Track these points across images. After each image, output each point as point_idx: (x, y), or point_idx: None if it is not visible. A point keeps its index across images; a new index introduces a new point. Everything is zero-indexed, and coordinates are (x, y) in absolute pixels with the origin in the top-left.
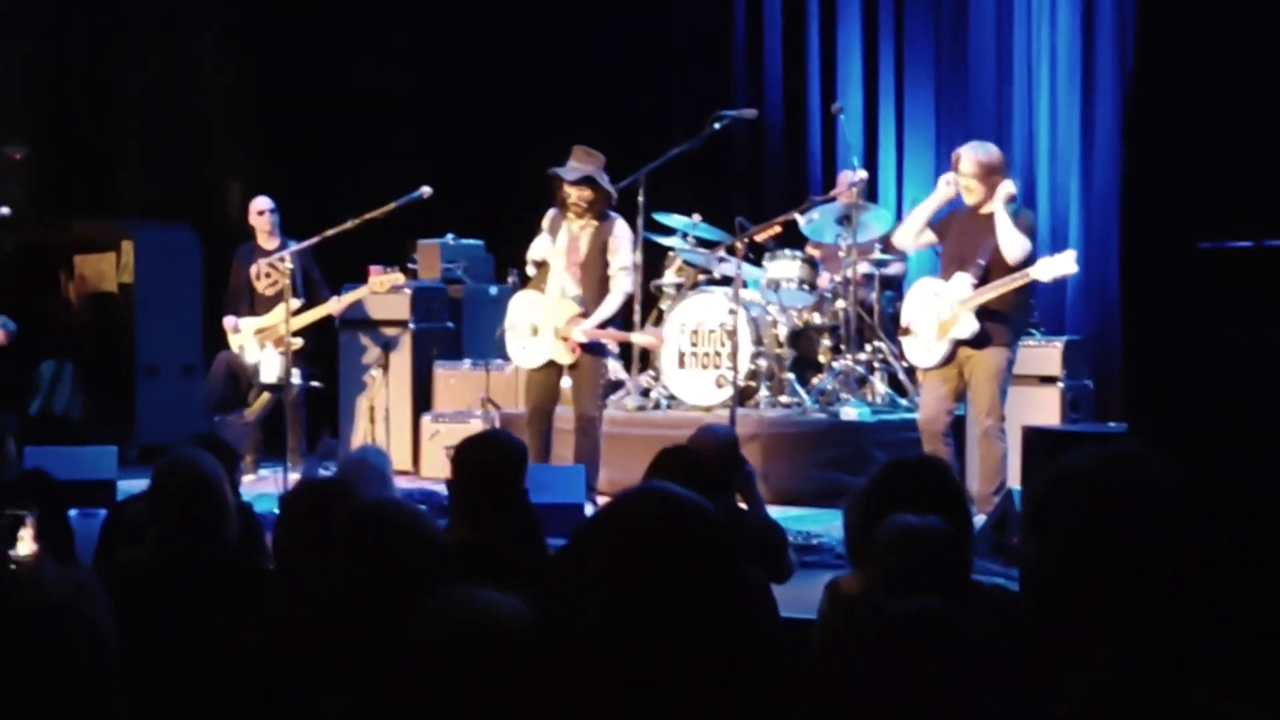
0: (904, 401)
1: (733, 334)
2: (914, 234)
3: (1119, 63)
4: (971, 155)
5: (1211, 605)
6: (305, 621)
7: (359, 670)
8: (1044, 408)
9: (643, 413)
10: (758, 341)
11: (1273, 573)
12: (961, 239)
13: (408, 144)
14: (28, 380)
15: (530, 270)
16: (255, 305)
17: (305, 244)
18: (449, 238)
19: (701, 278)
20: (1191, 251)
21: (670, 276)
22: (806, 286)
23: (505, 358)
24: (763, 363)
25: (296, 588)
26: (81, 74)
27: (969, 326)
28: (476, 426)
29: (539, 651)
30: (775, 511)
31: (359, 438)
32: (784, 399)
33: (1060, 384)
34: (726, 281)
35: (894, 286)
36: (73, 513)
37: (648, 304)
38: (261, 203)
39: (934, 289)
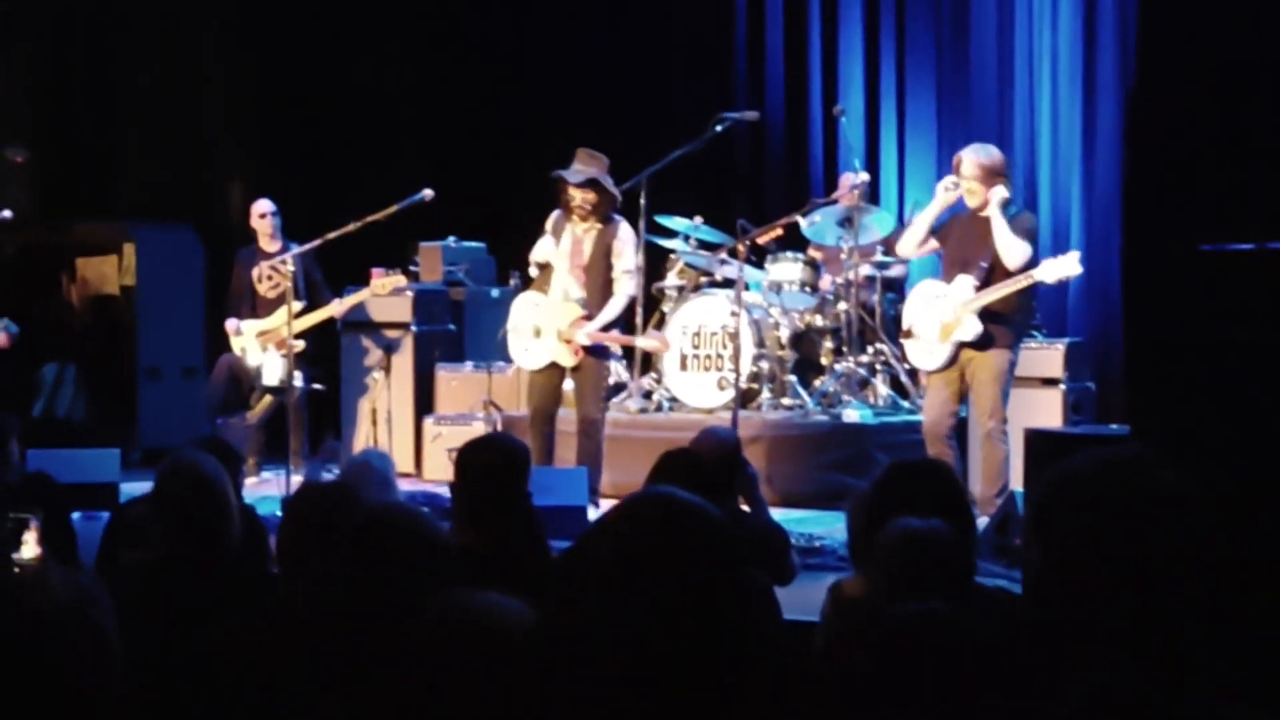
0: (906, 403)
1: (735, 336)
2: (916, 242)
3: (1120, 64)
4: (973, 158)
5: (1213, 607)
6: (310, 625)
7: (364, 673)
8: (1046, 410)
9: (645, 415)
10: (760, 344)
11: (1274, 574)
12: (963, 241)
13: (409, 147)
14: (30, 383)
15: (533, 271)
16: (257, 308)
17: (307, 247)
18: (451, 240)
19: (703, 280)
20: (1193, 253)
21: (672, 279)
22: (808, 289)
23: (507, 360)
24: (765, 365)
25: (301, 591)
26: (83, 77)
27: (972, 329)
28: (478, 429)
29: (543, 654)
30: (777, 513)
31: (361, 440)
32: (786, 401)
33: (1062, 386)
34: (728, 284)
35: (896, 288)
36: (75, 515)
37: (650, 307)
38: (263, 205)
39: (935, 291)
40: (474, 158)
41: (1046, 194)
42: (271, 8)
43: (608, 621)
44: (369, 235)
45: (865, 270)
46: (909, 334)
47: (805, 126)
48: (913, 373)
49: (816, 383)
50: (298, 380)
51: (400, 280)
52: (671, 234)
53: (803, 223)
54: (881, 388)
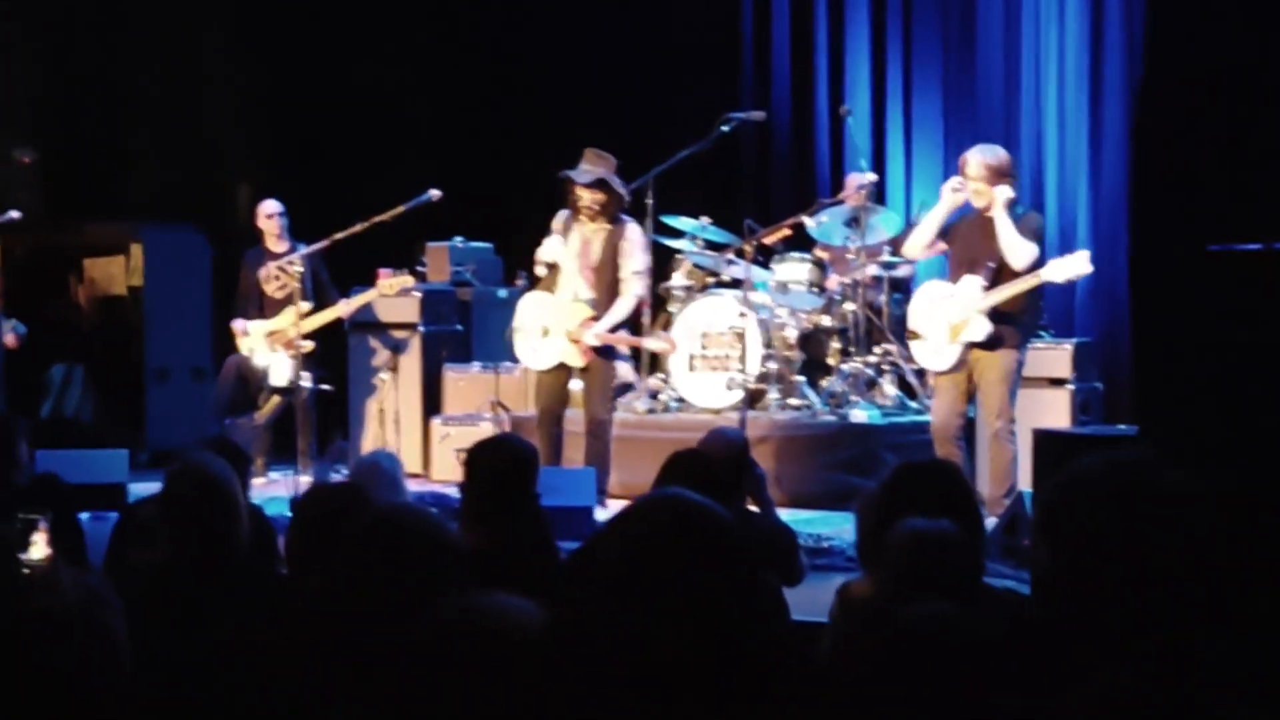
0: (913, 403)
1: (742, 337)
2: (924, 244)
3: (1127, 64)
4: (979, 158)
5: (1220, 608)
6: (319, 626)
7: (373, 675)
8: (1054, 410)
9: (653, 415)
10: (767, 344)
11: None
12: (970, 242)
13: (416, 147)
14: (38, 383)
15: (540, 271)
16: (264, 308)
17: (314, 247)
18: (458, 240)
19: (710, 280)
20: (1201, 253)
21: (679, 279)
22: (815, 289)
23: (515, 360)
24: (772, 365)
25: (311, 592)
26: (90, 78)
27: (981, 329)
28: (486, 429)
29: (553, 655)
30: (786, 514)
31: (369, 440)
32: (793, 401)
33: (1070, 386)
34: (735, 284)
35: (902, 288)
36: (83, 516)
37: (657, 307)
38: (270, 206)
39: (941, 292)
40: (480, 158)
41: (1053, 194)
42: (278, 8)
43: (617, 623)
44: (376, 236)
45: (872, 270)
46: (915, 335)
47: (812, 127)
48: (920, 373)
49: (824, 383)
50: (305, 381)
51: (407, 281)
52: (678, 234)
53: (809, 223)
54: (889, 388)
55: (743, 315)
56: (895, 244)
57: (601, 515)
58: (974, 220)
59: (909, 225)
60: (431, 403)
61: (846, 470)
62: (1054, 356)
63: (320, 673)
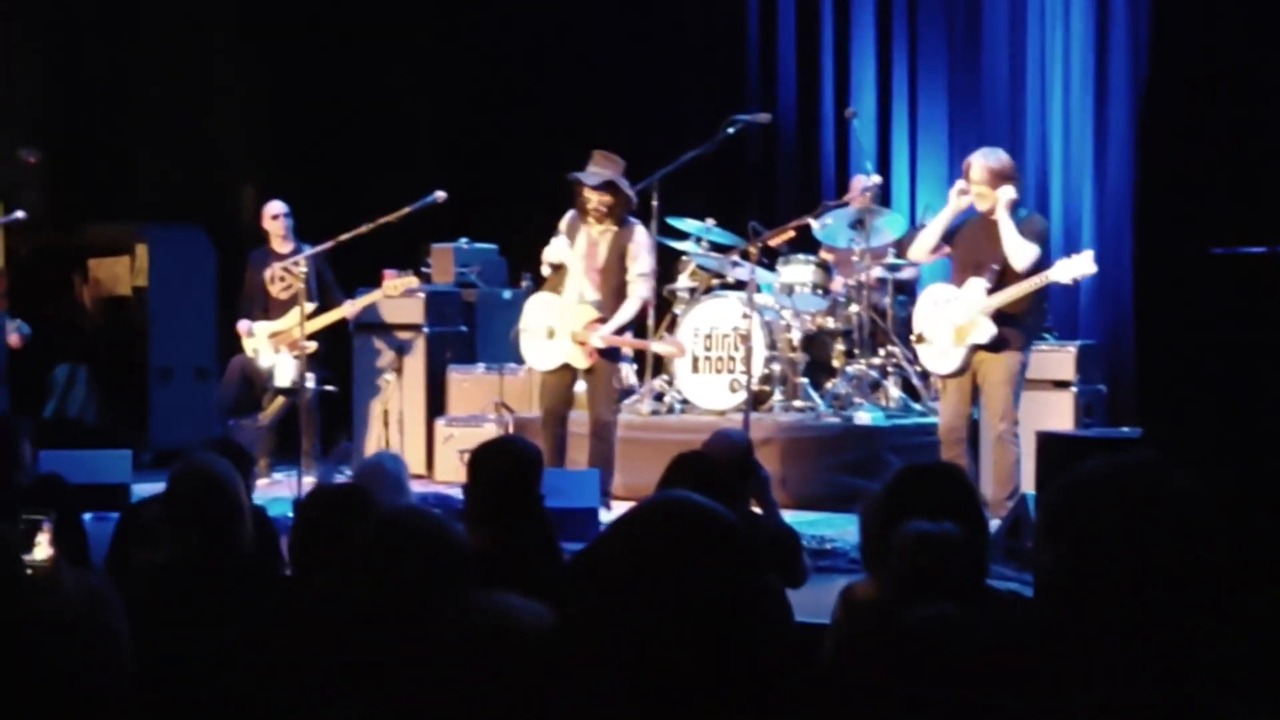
0: (918, 406)
1: (746, 338)
2: (929, 248)
3: (1133, 66)
4: (982, 162)
5: (1225, 612)
6: (325, 627)
7: (379, 676)
8: (1057, 412)
9: (657, 417)
10: (771, 346)
11: None
12: (974, 244)
13: (421, 148)
14: (42, 384)
15: (545, 270)
16: (269, 309)
17: (319, 248)
18: (463, 242)
19: (715, 282)
20: (1205, 256)
21: (684, 281)
22: (820, 291)
23: (519, 361)
24: (776, 367)
25: (317, 593)
26: (95, 78)
27: (987, 331)
28: (490, 430)
29: (558, 657)
30: (789, 516)
31: (373, 441)
32: (798, 403)
33: (1074, 389)
34: (740, 286)
35: (907, 291)
36: (87, 516)
37: (661, 309)
38: (275, 207)
39: (945, 295)
40: (486, 159)
41: (1058, 196)
42: (283, 9)
43: (622, 625)
44: (381, 237)
45: (877, 272)
46: (920, 339)
47: (817, 129)
48: (924, 375)
49: (828, 385)
50: (310, 382)
51: (412, 282)
52: (683, 236)
53: (814, 225)
54: (893, 390)
55: (747, 317)
56: (900, 246)
57: (606, 517)
58: (978, 223)
59: (914, 227)
60: (435, 404)
61: (850, 472)
62: (1058, 359)
63: (325, 674)
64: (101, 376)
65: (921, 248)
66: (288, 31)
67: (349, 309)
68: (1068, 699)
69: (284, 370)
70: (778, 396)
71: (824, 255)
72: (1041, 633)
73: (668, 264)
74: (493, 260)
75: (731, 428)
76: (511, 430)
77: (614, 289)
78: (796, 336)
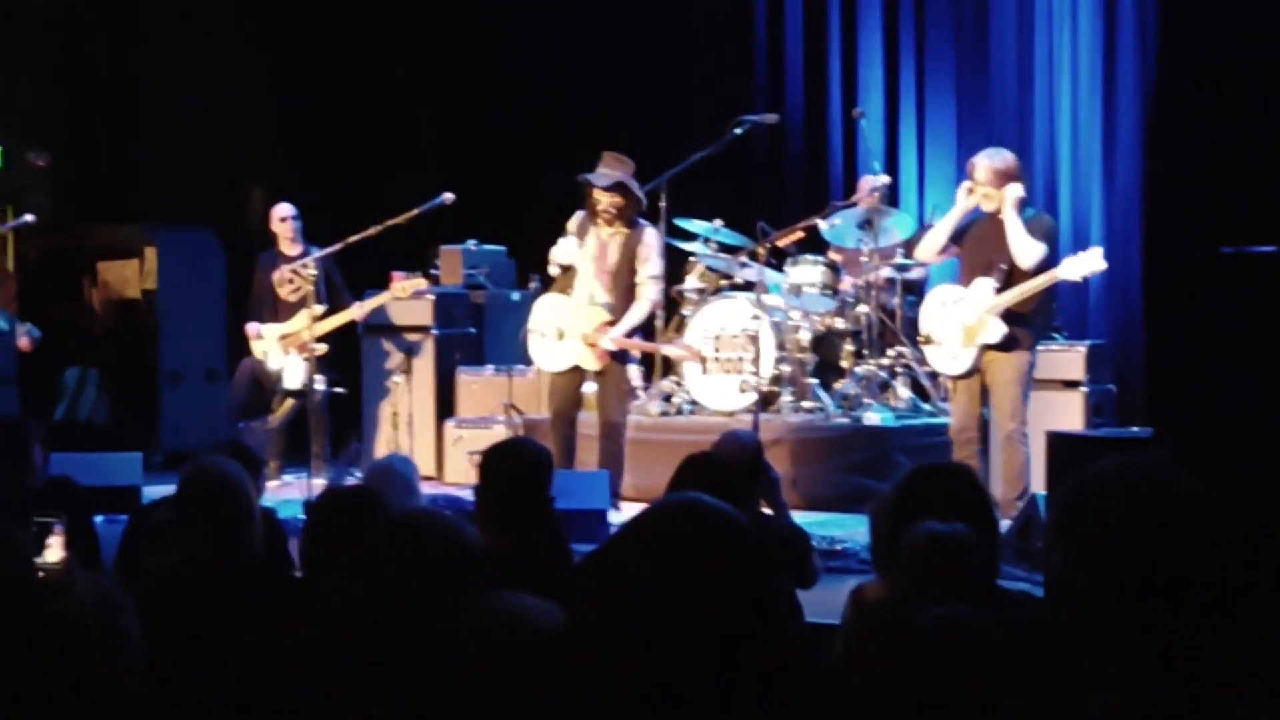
0: (927, 406)
1: (755, 339)
2: (936, 248)
3: (1140, 66)
4: (987, 163)
5: (1236, 613)
6: (338, 629)
7: (393, 677)
8: (1067, 412)
9: (666, 418)
10: (780, 347)
11: None
12: (982, 245)
13: (429, 150)
14: (52, 386)
15: (553, 270)
16: (278, 311)
17: (328, 250)
18: (471, 243)
19: (723, 283)
20: (1214, 256)
21: (692, 282)
22: (828, 291)
23: (528, 363)
24: (785, 368)
25: (330, 595)
26: (104, 81)
27: (997, 331)
28: (499, 432)
29: (569, 658)
30: (799, 516)
31: (382, 443)
32: (807, 404)
33: (1083, 388)
34: (748, 287)
35: (916, 291)
36: (98, 519)
37: (670, 310)
38: (284, 209)
39: (953, 295)
40: (494, 161)
41: (1067, 196)
42: (291, 11)
43: (634, 626)
44: (390, 238)
45: (885, 273)
46: (928, 340)
47: (825, 129)
48: (933, 375)
49: (837, 385)
50: (319, 384)
51: (421, 283)
52: (691, 237)
53: (823, 225)
54: (902, 390)
55: (756, 318)
56: (908, 246)
57: (615, 518)
58: (985, 223)
59: (922, 227)
60: (444, 405)
61: (860, 473)
62: (1067, 358)
63: (339, 675)
64: (111, 379)
65: (929, 248)
66: (295, 33)
67: (358, 311)
68: (1078, 700)
69: (293, 372)
70: (787, 397)
71: (832, 256)
72: (1052, 633)
73: (676, 265)
74: (501, 262)
75: (741, 429)
76: (521, 432)
77: (624, 291)
78: (805, 337)
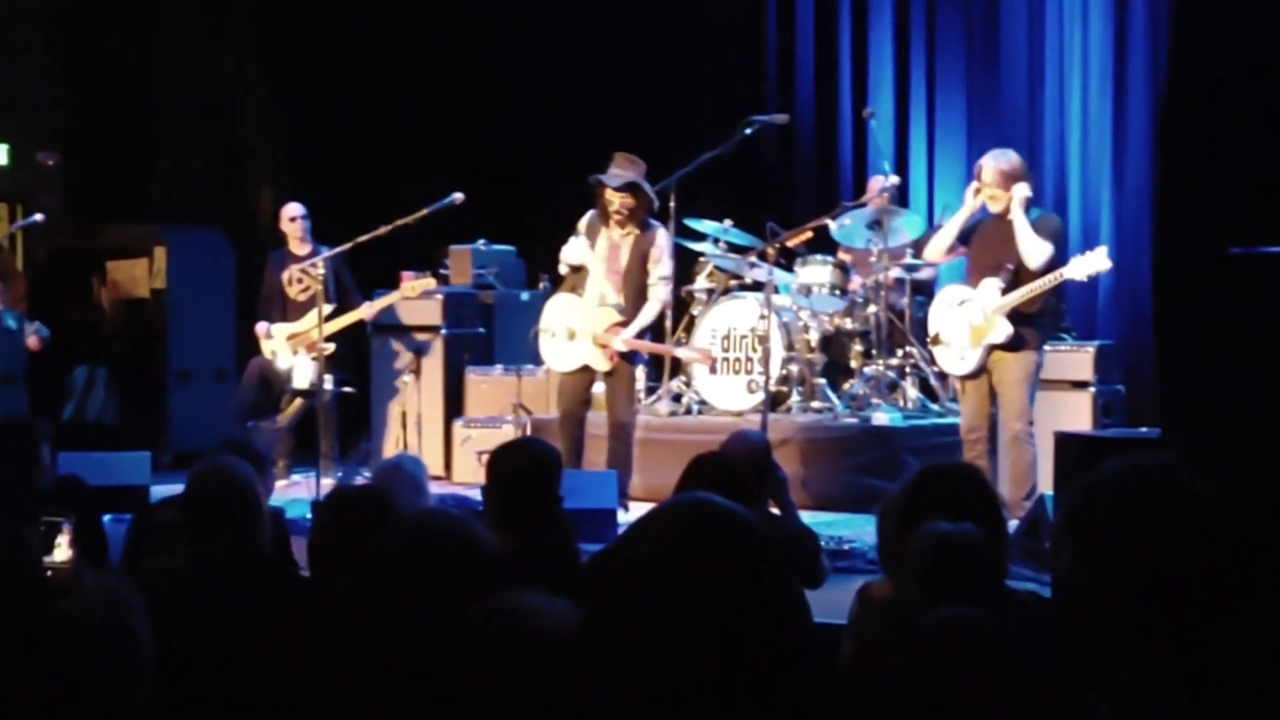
0: (935, 406)
1: (764, 339)
2: (944, 249)
3: (1151, 67)
4: (993, 164)
5: (1245, 615)
6: (349, 630)
7: (407, 678)
8: (1075, 413)
9: (675, 418)
10: (789, 347)
11: None
12: (989, 245)
13: (439, 150)
14: (61, 386)
15: (563, 270)
16: (287, 311)
17: (337, 250)
18: (480, 243)
19: (733, 283)
20: (1224, 256)
21: (702, 282)
22: (838, 291)
23: (537, 362)
24: (794, 368)
25: (341, 595)
26: (114, 80)
27: (1004, 331)
28: (508, 431)
29: (581, 659)
30: (807, 516)
31: (391, 443)
32: (815, 404)
33: (1092, 389)
34: (758, 287)
35: (925, 291)
36: (106, 518)
37: (679, 310)
38: (293, 209)
39: (960, 296)
40: (503, 161)
41: (1076, 196)
42: (301, 10)
43: (643, 627)
44: (399, 238)
45: (894, 273)
46: (936, 340)
47: (835, 129)
48: (942, 376)
49: (846, 385)
50: (328, 383)
51: (430, 283)
52: (701, 237)
53: (832, 226)
54: (911, 390)
55: (764, 318)
56: (917, 247)
57: (624, 518)
58: (993, 224)
59: (931, 228)
60: (453, 405)
61: (868, 473)
62: (1076, 359)
63: (351, 676)
64: (120, 378)
65: (937, 248)
66: (305, 33)
67: (367, 310)
68: (1086, 700)
69: (302, 372)
70: (795, 397)
71: (842, 256)
72: (1059, 634)
73: (685, 265)
74: (510, 262)
75: (749, 428)
76: (529, 431)
77: (636, 292)
78: (814, 337)
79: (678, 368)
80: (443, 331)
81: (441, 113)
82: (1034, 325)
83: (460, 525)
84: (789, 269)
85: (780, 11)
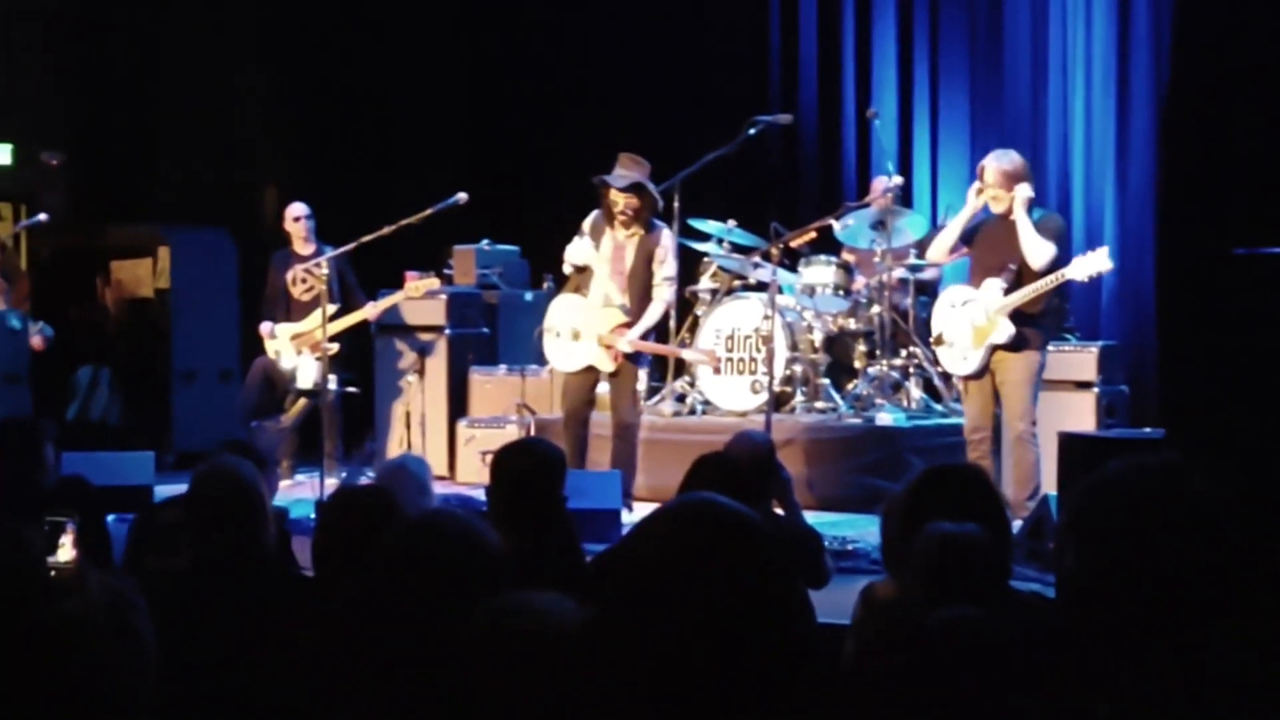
0: (939, 406)
1: (768, 340)
2: (946, 249)
3: (1154, 67)
4: (995, 165)
5: (1248, 616)
6: (354, 630)
7: (413, 677)
8: (1079, 413)
9: (679, 418)
10: (793, 347)
11: None
12: (991, 245)
13: (443, 150)
14: (65, 386)
15: (567, 269)
16: (291, 311)
17: (341, 250)
18: (484, 243)
19: (737, 283)
20: (1227, 257)
21: (705, 282)
22: (841, 292)
23: (541, 362)
24: (798, 368)
25: (346, 596)
26: (118, 80)
27: (1006, 331)
28: (512, 432)
29: (587, 659)
30: (811, 517)
31: (395, 443)
32: (819, 404)
33: (1095, 389)
34: (761, 287)
35: (928, 291)
36: (110, 518)
37: (683, 310)
38: (297, 209)
39: (963, 296)
40: (508, 161)
41: (1080, 197)
42: (304, 10)
43: (648, 626)
44: (403, 238)
45: (898, 273)
46: (940, 341)
47: (838, 130)
48: (945, 376)
49: (849, 386)
50: (332, 383)
51: (434, 283)
52: (705, 237)
53: (836, 226)
54: (914, 391)
55: (768, 318)
56: (921, 247)
57: (628, 518)
58: (994, 224)
59: (935, 228)
60: (457, 405)
61: (872, 473)
62: (1079, 359)
63: (357, 675)
64: (124, 378)
65: (939, 249)
66: (309, 33)
67: (371, 310)
68: (1089, 700)
69: (306, 372)
70: (799, 397)
71: (845, 256)
72: (1063, 634)
73: (689, 265)
74: (514, 262)
75: (753, 429)
76: (533, 431)
77: (641, 292)
78: (818, 337)
79: (682, 368)
80: (447, 331)
81: (446, 112)
82: (1037, 325)
83: (464, 525)
84: (793, 269)
85: (784, 12)
